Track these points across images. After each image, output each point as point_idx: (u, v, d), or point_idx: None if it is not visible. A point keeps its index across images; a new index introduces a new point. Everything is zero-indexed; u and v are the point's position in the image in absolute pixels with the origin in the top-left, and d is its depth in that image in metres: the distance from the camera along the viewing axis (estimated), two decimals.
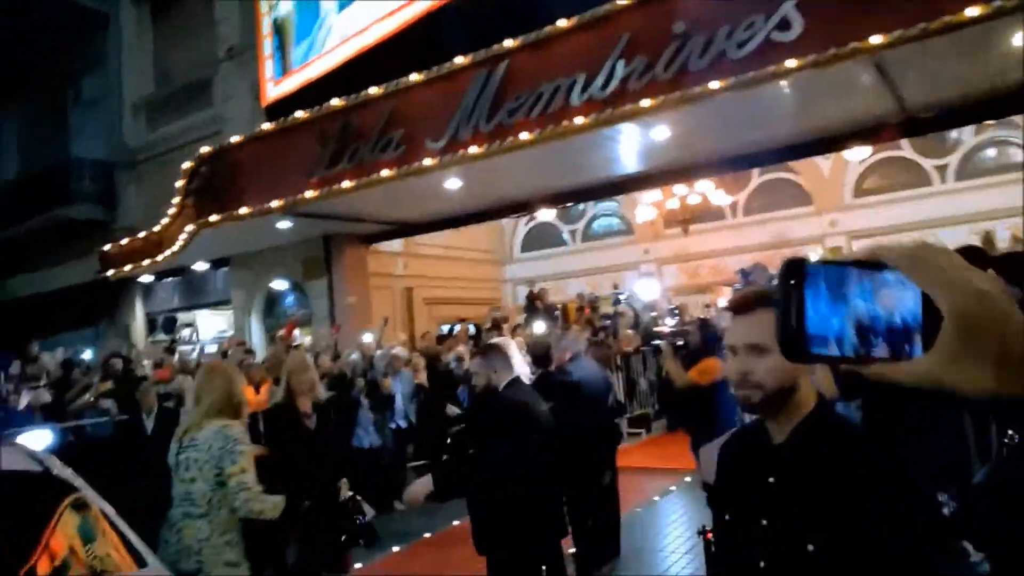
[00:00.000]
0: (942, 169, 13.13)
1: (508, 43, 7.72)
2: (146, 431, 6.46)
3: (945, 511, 5.29)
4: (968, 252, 4.27)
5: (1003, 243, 11.09)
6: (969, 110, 8.09)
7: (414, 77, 8.46)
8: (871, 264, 0.64)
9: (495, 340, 5.23)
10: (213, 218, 10.28)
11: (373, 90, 8.81)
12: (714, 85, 6.47)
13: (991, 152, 13.01)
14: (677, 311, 11.00)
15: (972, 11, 5.42)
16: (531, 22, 7.70)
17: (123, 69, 16.47)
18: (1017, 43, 6.13)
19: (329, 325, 11.82)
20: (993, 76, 7.13)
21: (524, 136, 7.56)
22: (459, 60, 8.08)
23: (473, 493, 3.77)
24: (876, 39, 5.82)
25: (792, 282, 0.64)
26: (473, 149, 7.91)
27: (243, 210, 10.02)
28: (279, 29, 12.12)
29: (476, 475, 3.71)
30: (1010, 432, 2.97)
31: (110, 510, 2.37)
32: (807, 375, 1.66)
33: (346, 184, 8.96)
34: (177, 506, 3.36)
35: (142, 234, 12.49)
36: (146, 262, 12.34)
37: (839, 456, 1.58)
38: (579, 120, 7.23)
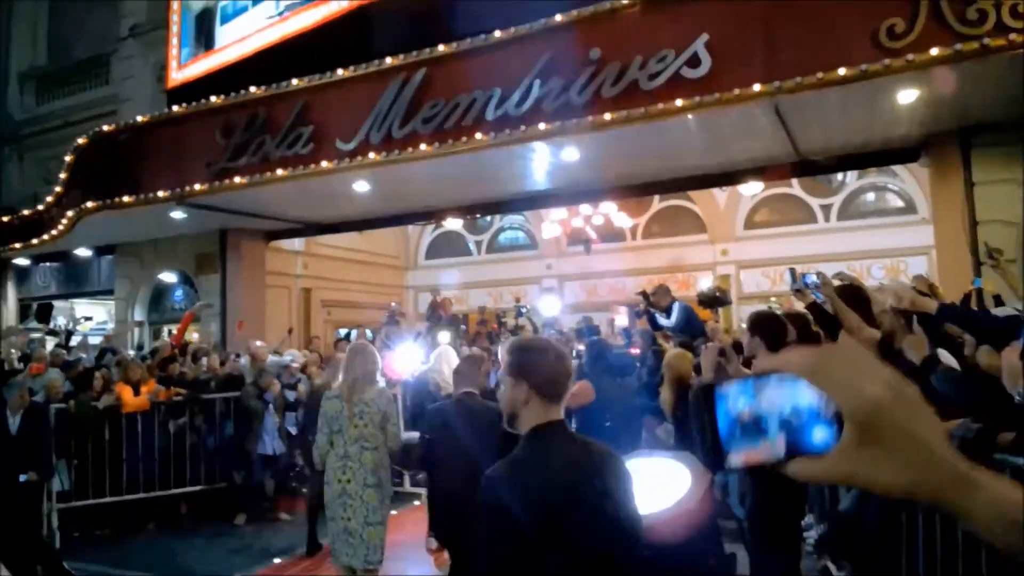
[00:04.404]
0: (827, 208, 13.98)
1: (428, 51, 7.70)
2: (11, 430, 6.01)
3: (814, 533, 5.61)
4: (847, 291, 4.56)
5: (875, 280, 11.93)
6: (857, 157, 8.69)
7: (330, 74, 8.30)
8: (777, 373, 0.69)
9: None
10: (91, 204, 9.70)
11: (286, 83, 8.59)
12: (623, 115, 6.67)
13: (870, 196, 13.96)
14: (596, 328, 10.75)
15: (863, 67, 5.82)
16: (456, 31, 7.70)
17: (12, 35, 15.37)
18: (902, 100, 6.63)
19: (220, 323, 11.40)
20: (880, 129, 7.68)
21: (436, 147, 7.55)
22: (377, 61, 7.99)
23: None
24: (774, 84, 6.16)
25: (704, 404, 0.71)
26: (383, 155, 7.83)
27: (129, 197, 9.53)
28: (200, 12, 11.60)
29: None
30: None
31: None
32: (525, 409, 2.09)
33: (247, 179, 8.68)
34: (352, 444, 4.52)
35: (23, 212, 11.65)
36: (23, 243, 11.52)
37: None
38: (492, 135, 7.29)
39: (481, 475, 2.06)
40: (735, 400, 0.70)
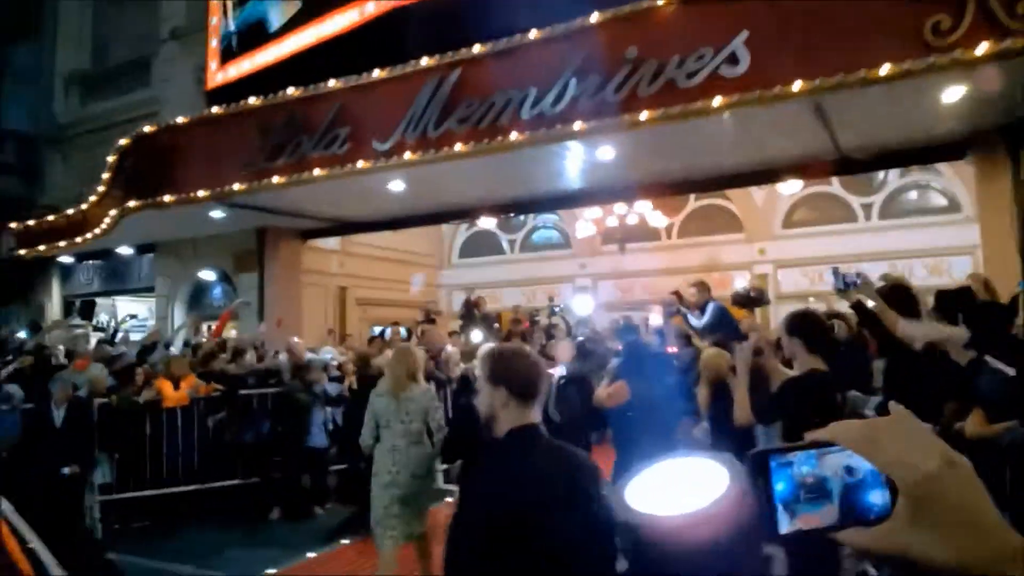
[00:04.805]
0: (867, 207, 13.70)
1: (463, 50, 7.71)
2: (55, 423, 6.16)
3: None
4: (895, 289, 4.46)
5: (918, 280, 11.66)
6: (899, 155, 8.50)
7: (366, 75, 8.36)
8: (829, 444, 0.69)
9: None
10: (133, 203, 9.90)
11: (323, 84, 8.67)
12: (660, 113, 6.61)
13: (913, 195, 13.65)
14: (635, 328, 10.56)
15: (908, 65, 5.69)
16: (491, 31, 7.70)
17: (58, 39, 15.75)
18: (948, 98, 6.47)
19: (257, 320, 11.56)
20: (923, 126, 7.51)
21: (471, 146, 7.56)
22: (413, 62, 8.02)
23: None
24: (816, 82, 6.05)
25: (760, 472, 0.71)
26: (419, 154, 7.86)
27: (170, 197, 9.70)
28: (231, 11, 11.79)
29: None
30: None
31: (7, 507, 2.28)
32: (502, 412, 2.20)
33: (284, 179, 8.79)
34: (401, 438, 4.88)
35: (67, 212, 11.94)
36: (66, 242, 11.81)
37: None
38: (527, 134, 7.28)
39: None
40: (799, 467, 0.70)
